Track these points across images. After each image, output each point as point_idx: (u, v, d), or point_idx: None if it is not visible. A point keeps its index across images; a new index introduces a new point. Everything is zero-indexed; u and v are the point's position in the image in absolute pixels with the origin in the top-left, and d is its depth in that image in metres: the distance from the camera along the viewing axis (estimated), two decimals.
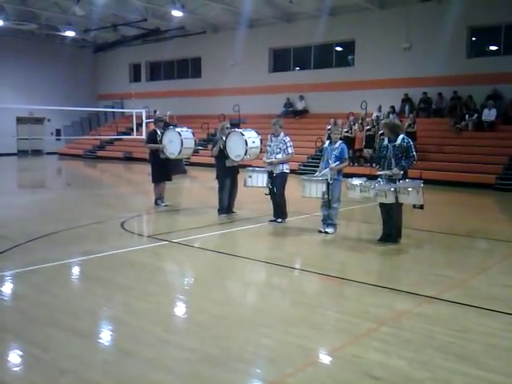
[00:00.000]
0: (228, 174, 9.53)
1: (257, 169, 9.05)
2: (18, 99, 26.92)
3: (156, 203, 10.76)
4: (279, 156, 8.80)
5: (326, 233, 8.08)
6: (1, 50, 26.94)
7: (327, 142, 8.36)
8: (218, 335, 4.29)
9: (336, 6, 21.62)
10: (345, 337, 4.26)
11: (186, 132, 10.11)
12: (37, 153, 30.14)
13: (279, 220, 9.02)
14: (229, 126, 10.17)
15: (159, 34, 26.54)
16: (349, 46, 23.00)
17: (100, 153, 27.75)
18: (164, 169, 10.57)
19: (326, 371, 3.72)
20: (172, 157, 10.03)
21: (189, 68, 29.16)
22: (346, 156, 8.15)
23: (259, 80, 25.17)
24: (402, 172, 7.27)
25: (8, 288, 5.69)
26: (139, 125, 22.39)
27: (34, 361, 3.82)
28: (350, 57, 23.25)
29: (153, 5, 23.07)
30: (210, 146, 10.41)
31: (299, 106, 24.08)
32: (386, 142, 7.51)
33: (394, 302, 5.11)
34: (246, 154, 9.19)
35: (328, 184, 7.90)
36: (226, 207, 9.67)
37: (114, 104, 30.61)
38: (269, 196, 9.16)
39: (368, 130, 18.15)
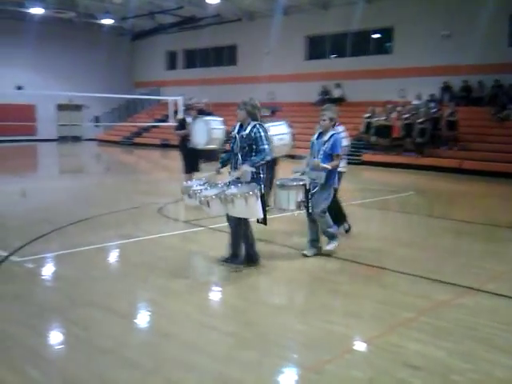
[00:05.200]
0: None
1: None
2: (58, 86, 27.43)
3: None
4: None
5: (329, 252, 6.20)
6: (41, 39, 27.43)
7: (315, 134, 6.24)
8: (254, 320, 4.31)
9: None
10: (383, 326, 4.21)
11: (214, 121, 9.32)
12: (76, 139, 30.74)
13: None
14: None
15: (195, 21, 26.58)
16: (386, 33, 22.55)
17: (137, 139, 28.10)
18: (192, 159, 9.99)
19: (363, 359, 3.69)
20: (199, 147, 9.35)
21: (224, 56, 29.16)
22: (339, 151, 6.01)
23: (294, 68, 24.96)
24: (250, 170, 5.35)
25: (49, 269, 5.84)
26: (175, 112, 22.52)
27: (74, 340, 3.91)
28: (387, 44, 22.81)
29: None
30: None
31: (335, 93, 23.78)
32: (235, 131, 5.59)
33: (433, 292, 5.01)
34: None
35: (307, 190, 5.95)
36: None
37: (150, 91, 30.88)
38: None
39: (406, 119, 17.83)
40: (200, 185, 5.68)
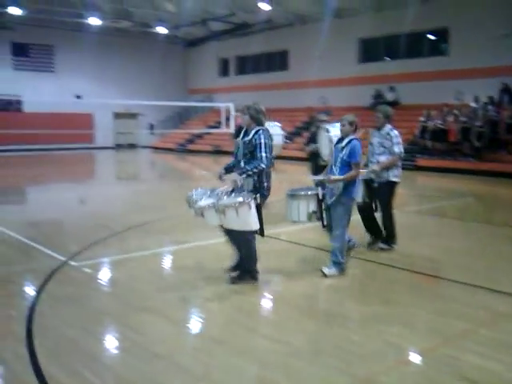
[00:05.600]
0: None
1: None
2: (115, 95, 28.29)
3: None
4: (382, 158, 6.40)
5: (324, 274, 5.53)
6: (99, 48, 28.41)
7: (335, 139, 5.92)
8: (306, 329, 4.28)
9: None
10: (439, 337, 4.09)
11: (274, 127, 8.53)
12: (132, 147, 31.61)
13: (382, 246, 6.66)
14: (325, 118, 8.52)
15: (247, 27, 26.80)
16: (442, 34, 21.96)
17: (190, 146, 28.56)
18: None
19: (419, 371, 3.59)
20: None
21: (276, 61, 29.22)
22: (359, 159, 5.50)
23: (347, 71, 24.72)
24: (243, 178, 5.09)
25: (106, 274, 6.02)
26: (227, 118, 22.77)
27: (130, 344, 4.01)
28: (443, 45, 22.22)
29: None
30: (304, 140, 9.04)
31: (389, 97, 23.35)
32: (240, 136, 5.41)
33: (492, 303, 4.83)
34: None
35: (320, 201, 5.58)
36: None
37: (203, 98, 31.35)
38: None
39: (463, 122, 17.28)
40: (201, 194, 5.30)
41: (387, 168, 6.35)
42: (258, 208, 5.04)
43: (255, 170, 5.08)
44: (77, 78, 28.73)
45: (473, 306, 4.72)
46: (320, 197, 5.55)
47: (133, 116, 31.50)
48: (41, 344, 3.91)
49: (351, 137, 5.51)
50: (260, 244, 5.38)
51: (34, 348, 3.84)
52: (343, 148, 5.49)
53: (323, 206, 5.57)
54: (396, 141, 6.35)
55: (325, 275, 5.51)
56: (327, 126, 6.96)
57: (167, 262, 6.55)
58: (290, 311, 4.70)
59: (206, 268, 5.91)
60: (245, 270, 5.36)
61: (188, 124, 31.81)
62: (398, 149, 6.34)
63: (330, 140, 6.56)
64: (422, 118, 18.77)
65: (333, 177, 5.48)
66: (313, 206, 5.59)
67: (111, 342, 4.16)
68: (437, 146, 18.03)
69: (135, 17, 26.84)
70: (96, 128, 29.40)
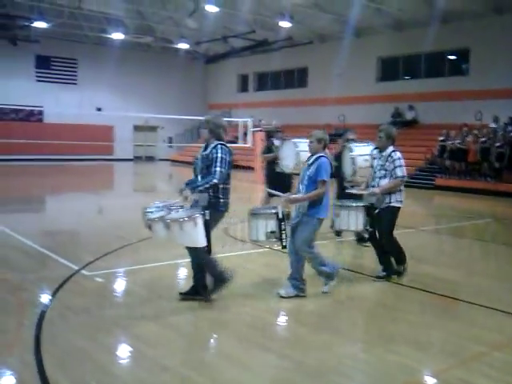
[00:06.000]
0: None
1: (347, 203, 6.29)
2: (135, 108, 28.65)
3: None
4: (384, 181, 5.94)
5: (280, 296, 5.32)
6: (121, 63, 28.85)
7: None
8: (315, 346, 4.21)
9: (448, 13, 20.66)
10: (451, 359, 3.99)
11: (303, 143, 8.63)
12: (150, 159, 31.85)
13: (381, 275, 6.12)
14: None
15: (267, 44, 27.01)
16: (462, 54, 21.90)
17: None
18: (279, 182, 9.07)
19: None
20: (287, 170, 8.30)
21: (295, 78, 29.36)
22: (325, 177, 5.17)
23: (366, 89, 24.72)
24: (201, 193, 4.91)
25: (118, 284, 6.02)
26: (245, 133, 22.85)
27: (139, 355, 3.98)
28: (463, 65, 22.12)
29: (262, 16, 23.56)
30: None
31: (408, 116, 23.29)
32: (201, 151, 5.20)
33: (508, 327, 4.71)
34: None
35: (280, 220, 5.29)
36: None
37: (222, 113, 31.55)
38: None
39: (483, 142, 17.10)
40: (156, 207, 5.04)
41: (389, 192, 5.89)
42: (207, 224, 4.86)
43: (207, 186, 4.89)
44: (98, 91, 29.20)
45: (489, 329, 4.61)
46: (280, 216, 5.28)
47: (152, 129, 31.82)
48: (49, 352, 3.90)
49: (319, 154, 5.29)
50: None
51: (41, 356, 3.83)
52: (310, 165, 5.28)
53: (283, 226, 5.28)
54: (399, 163, 5.89)
55: (281, 296, 5.27)
56: (352, 146, 6.76)
57: (180, 274, 6.52)
58: (300, 329, 4.64)
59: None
60: (215, 278, 5.12)
61: None
62: (401, 172, 5.88)
63: (353, 160, 6.45)
64: (441, 138, 18.63)
65: (293, 196, 5.33)
66: (272, 226, 5.32)
67: (120, 353, 4.13)
68: (456, 166, 17.85)
69: (157, 32, 27.26)
70: (116, 140, 29.76)
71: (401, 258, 6.14)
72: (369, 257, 6.72)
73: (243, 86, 32.59)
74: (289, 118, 25.79)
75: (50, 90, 27.79)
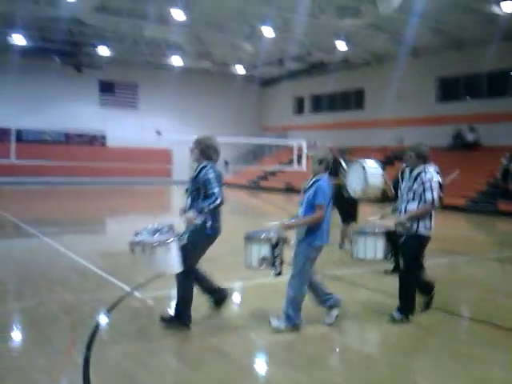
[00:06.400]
0: None
1: (365, 228, 5.83)
2: (193, 131, 29.14)
3: (340, 246, 9.05)
4: (412, 206, 5.31)
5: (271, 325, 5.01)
6: (180, 87, 29.61)
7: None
8: (368, 377, 4.05)
9: (510, 31, 19.99)
10: None
11: (373, 168, 7.49)
12: None
13: (396, 315, 5.30)
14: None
15: (323, 66, 27.05)
16: None
17: (263, 183, 28.81)
18: (348, 207, 8.64)
19: None
20: (354, 195, 7.81)
21: (351, 100, 29.16)
22: (322, 202, 4.87)
23: (425, 110, 24.18)
24: (194, 217, 4.81)
25: (169, 307, 6.03)
26: (300, 156, 22.81)
27: (183, 381, 3.95)
28: None
29: (318, 39, 23.64)
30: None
31: (469, 137, 22.55)
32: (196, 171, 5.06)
33: None
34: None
35: (273, 246, 4.95)
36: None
37: (277, 135, 31.73)
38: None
39: None
40: (148, 231, 4.86)
41: (417, 218, 5.24)
42: (186, 249, 4.77)
43: (211, 207, 4.76)
44: (157, 115, 30.08)
45: None
46: (274, 241, 4.94)
47: None
48: (96, 373, 3.94)
49: (318, 176, 5.00)
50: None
51: (89, 377, 3.87)
52: (309, 188, 4.99)
53: (276, 252, 4.93)
54: (428, 185, 5.21)
55: (273, 327, 4.96)
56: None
57: (230, 299, 6.47)
58: (350, 356, 4.48)
59: (269, 308, 5.77)
60: (177, 314, 4.99)
61: (262, 161, 32.20)
62: (431, 195, 5.18)
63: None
64: (503, 160, 17.90)
65: (286, 222, 5.03)
66: (265, 251, 4.95)
67: (165, 377, 4.11)
68: None
69: (215, 57, 27.87)
70: (174, 163, 30.48)
71: (409, 304, 5.33)
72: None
73: (299, 108, 32.67)
74: (345, 139, 25.43)
75: (113, 115, 28.86)
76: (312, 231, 4.90)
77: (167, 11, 19.35)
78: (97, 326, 5.04)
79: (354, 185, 7.61)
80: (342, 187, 7.91)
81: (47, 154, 25.07)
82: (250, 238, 5.10)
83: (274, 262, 4.93)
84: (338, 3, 17.57)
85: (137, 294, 6.21)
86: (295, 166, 21.39)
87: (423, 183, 5.21)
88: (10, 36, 22.65)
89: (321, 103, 31.31)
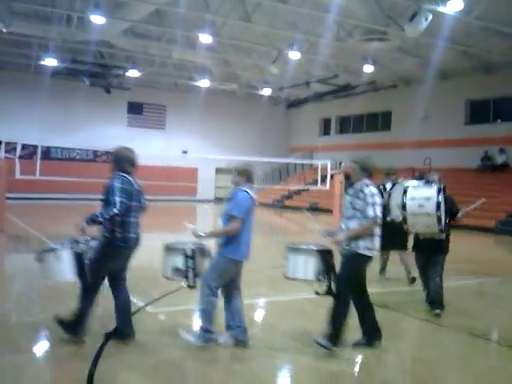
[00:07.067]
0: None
1: (302, 246, 5.14)
2: (218, 151, 29.43)
3: (380, 272, 8.54)
4: (352, 224, 4.83)
5: (187, 340, 4.92)
6: (206, 108, 29.94)
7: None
8: None
9: None
10: None
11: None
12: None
13: (324, 343, 4.77)
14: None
15: (349, 89, 26.99)
16: None
17: (287, 202, 28.74)
18: (390, 234, 6.99)
19: None
20: (397, 220, 7.03)
21: (378, 121, 28.97)
22: (237, 213, 4.71)
23: (453, 132, 23.85)
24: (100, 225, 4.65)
25: (179, 323, 5.94)
26: (325, 176, 22.64)
27: None
28: None
29: (344, 62, 23.64)
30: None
31: (499, 159, 22.12)
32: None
33: None
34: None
35: (188, 257, 4.86)
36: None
37: (303, 156, 31.66)
38: None
39: None
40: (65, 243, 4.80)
41: (357, 237, 4.75)
42: (79, 259, 4.65)
43: (106, 217, 4.53)
44: (184, 135, 30.46)
45: None
46: (188, 253, 4.84)
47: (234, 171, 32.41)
48: None
49: (238, 188, 4.86)
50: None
51: None
52: (229, 199, 4.86)
53: (189, 263, 4.83)
54: (371, 201, 4.73)
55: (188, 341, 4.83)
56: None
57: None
58: (384, 373, 4.31)
59: (281, 323, 5.65)
60: (73, 319, 4.80)
61: (287, 181, 32.16)
62: (373, 211, 4.70)
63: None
64: None
65: (200, 232, 4.84)
66: (179, 262, 4.85)
67: None
68: None
69: (242, 79, 28.16)
70: (199, 182, 30.66)
71: (337, 333, 4.79)
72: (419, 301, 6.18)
73: (325, 129, 32.63)
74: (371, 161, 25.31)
75: (140, 135, 29.27)
76: (228, 243, 4.77)
77: (195, 35, 19.64)
78: (105, 341, 4.97)
79: (396, 210, 7.12)
80: (386, 210, 7.18)
81: (76, 171, 25.53)
82: (166, 249, 5.02)
83: (186, 273, 4.82)
84: (364, 27, 17.55)
85: (149, 309, 6.15)
86: (319, 185, 21.29)
87: (365, 197, 4.77)
88: (44, 60, 23.29)
89: (347, 124, 31.22)
